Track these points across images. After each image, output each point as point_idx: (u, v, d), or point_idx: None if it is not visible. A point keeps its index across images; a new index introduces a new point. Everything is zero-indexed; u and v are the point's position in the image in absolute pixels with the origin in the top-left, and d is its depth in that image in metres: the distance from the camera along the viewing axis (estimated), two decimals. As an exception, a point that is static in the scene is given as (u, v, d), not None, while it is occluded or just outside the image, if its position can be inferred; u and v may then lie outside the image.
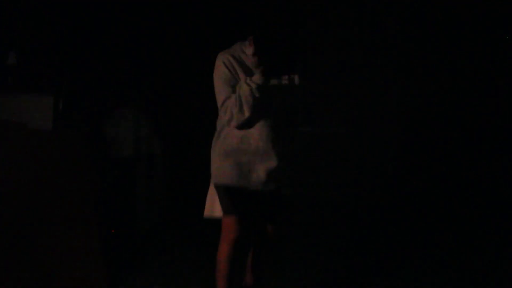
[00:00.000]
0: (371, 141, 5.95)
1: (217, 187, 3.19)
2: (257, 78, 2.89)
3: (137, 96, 5.02)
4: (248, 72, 2.97)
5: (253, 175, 3.05)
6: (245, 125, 2.97)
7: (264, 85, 2.89)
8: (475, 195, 5.64)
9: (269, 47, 2.87)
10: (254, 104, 2.89)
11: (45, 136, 3.82)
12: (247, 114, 2.91)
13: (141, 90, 5.09)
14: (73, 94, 4.15)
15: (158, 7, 5.43)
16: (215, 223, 3.32)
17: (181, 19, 5.50)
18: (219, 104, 3.00)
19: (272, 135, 3.02)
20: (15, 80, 4.11)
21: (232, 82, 2.96)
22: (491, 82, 5.42)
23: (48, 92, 3.91)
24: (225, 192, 3.13)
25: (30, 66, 4.22)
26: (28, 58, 4.19)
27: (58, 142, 3.90)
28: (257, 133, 3.01)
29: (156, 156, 5.03)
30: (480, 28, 5.30)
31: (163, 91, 5.32)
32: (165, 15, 5.49)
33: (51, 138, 3.85)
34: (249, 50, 2.98)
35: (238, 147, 3.03)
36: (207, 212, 3.30)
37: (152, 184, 5.01)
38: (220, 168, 3.11)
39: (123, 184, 4.75)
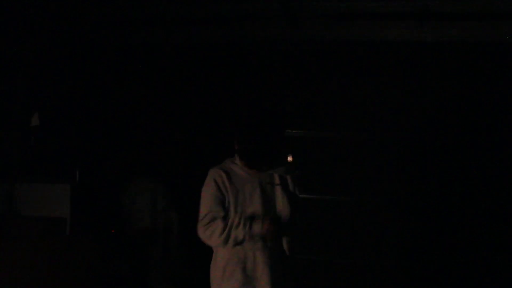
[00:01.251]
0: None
1: None
2: (257, 227, 2.86)
3: (152, 171, 5.10)
4: (238, 182, 2.99)
5: None
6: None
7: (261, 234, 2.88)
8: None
9: (253, 140, 2.93)
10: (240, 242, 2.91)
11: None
12: (230, 245, 2.92)
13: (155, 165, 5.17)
14: (87, 180, 4.22)
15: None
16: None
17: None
18: (200, 215, 3.01)
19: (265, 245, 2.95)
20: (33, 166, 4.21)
21: (219, 198, 2.97)
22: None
23: (64, 180, 4.00)
24: None
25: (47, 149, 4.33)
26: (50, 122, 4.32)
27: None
28: (260, 241, 2.94)
29: (173, 230, 5.04)
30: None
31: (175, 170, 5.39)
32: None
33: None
34: (238, 159, 3.04)
35: (242, 262, 2.95)
36: None
37: (168, 261, 5.01)
38: None
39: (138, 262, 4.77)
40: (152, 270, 4.91)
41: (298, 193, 3.11)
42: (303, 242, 5.59)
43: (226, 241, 2.92)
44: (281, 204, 3.00)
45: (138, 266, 4.84)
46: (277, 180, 3.02)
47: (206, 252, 5.25)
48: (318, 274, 5.67)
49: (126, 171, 5.18)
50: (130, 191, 4.98)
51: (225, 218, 2.97)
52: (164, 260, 4.96)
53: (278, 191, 3.01)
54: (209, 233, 2.94)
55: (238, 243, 2.93)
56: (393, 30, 5.16)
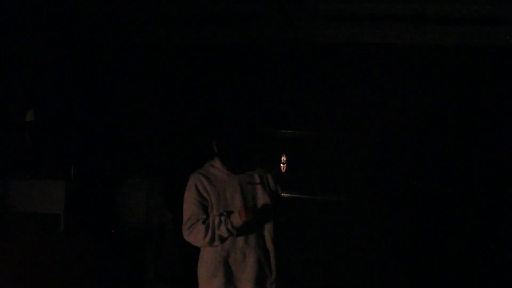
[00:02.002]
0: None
1: None
2: (236, 220, 2.90)
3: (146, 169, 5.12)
4: (219, 185, 3.03)
5: None
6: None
7: (243, 224, 2.91)
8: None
9: (230, 144, 2.99)
10: (228, 237, 2.95)
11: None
12: (217, 244, 2.96)
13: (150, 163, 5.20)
14: (82, 176, 4.26)
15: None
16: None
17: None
18: (183, 220, 3.06)
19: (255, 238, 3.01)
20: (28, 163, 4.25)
21: (201, 203, 3.02)
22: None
23: (59, 176, 4.03)
24: None
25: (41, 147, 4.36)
26: (45, 118, 4.35)
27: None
28: (243, 240, 2.99)
29: (166, 227, 5.05)
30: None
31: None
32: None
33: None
34: (217, 162, 3.09)
35: (225, 261, 3.00)
36: None
37: (162, 258, 5.03)
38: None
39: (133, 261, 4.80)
40: (147, 267, 4.94)
41: (280, 191, 3.15)
42: (300, 242, 5.62)
43: (211, 242, 2.97)
44: (263, 203, 3.04)
45: (133, 263, 4.86)
46: (257, 179, 3.08)
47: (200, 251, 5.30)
48: (315, 274, 5.67)
49: (121, 168, 5.21)
50: (125, 188, 5.00)
51: (207, 220, 3.02)
52: (159, 258, 4.98)
53: (259, 190, 3.06)
54: (193, 237, 3.01)
55: (225, 239, 2.98)
56: (391, 32, 5.17)
